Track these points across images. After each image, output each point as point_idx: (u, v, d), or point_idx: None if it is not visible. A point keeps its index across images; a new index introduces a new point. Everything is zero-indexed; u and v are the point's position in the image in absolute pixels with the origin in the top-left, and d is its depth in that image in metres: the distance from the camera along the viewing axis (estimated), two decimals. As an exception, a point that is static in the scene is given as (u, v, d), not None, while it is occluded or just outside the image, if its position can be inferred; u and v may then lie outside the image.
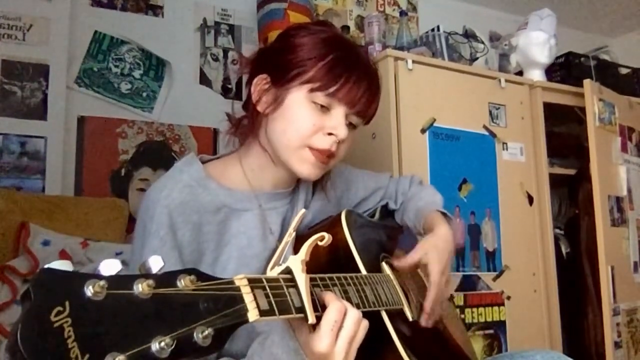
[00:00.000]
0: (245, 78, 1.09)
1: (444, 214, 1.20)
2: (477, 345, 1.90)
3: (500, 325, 1.97)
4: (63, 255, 1.60)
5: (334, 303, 0.71)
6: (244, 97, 1.08)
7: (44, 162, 1.96)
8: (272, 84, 0.99)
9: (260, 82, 1.01)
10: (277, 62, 1.00)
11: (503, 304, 1.99)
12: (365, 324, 0.74)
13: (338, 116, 0.97)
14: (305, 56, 0.96)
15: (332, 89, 0.95)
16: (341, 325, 0.71)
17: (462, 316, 1.89)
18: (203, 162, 1.03)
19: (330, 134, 0.96)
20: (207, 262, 0.95)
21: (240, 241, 0.99)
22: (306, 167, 0.98)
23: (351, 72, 0.96)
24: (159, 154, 2.19)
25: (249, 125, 1.05)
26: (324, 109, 0.96)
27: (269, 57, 1.04)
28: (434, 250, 1.05)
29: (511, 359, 1.18)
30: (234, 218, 0.99)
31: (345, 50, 0.99)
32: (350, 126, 1.01)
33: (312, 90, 0.95)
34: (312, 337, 0.69)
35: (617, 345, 2.03)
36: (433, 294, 1.01)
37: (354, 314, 0.72)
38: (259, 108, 1.00)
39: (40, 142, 1.97)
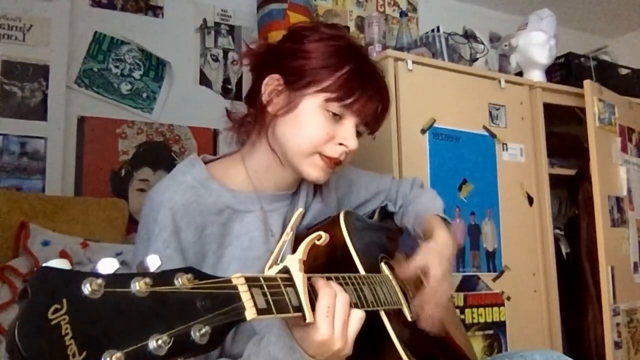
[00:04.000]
0: (245, 70, 1.08)
1: (443, 219, 1.20)
2: (477, 345, 1.89)
3: (500, 326, 1.97)
4: (63, 255, 1.60)
5: (324, 289, 0.71)
6: (244, 93, 1.08)
7: (44, 162, 1.96)
8: (285, 87, 0.98)
9: (273, 82, 0.99)
10: (290, 65, 0.99)
11: (503, 305, 1.99)
12: (360, 315, 0.74)
13: (349, 127, 0.98)
14: (320, 64, 0.96)
15: (348, 101, 0.96)
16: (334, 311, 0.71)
17: (462, 316, 1.89)
18: (205, 163, 1.03)
19: (341, 144, 0.98)
20: (209, 263, 0.95)
21: (242, 242, 0.99)
22: (315, 171, 0.99)
23: (366, 86, 0.98)
24: (159, 155, 2.19)
25: (255, 124, 1.04)
26: (336, 117, 0.97)
27: (279, 56, 1.02)
28: (435, 255, 1.04)
29: (510, 358, 1.18)
30: (236, 219, 0.99)
31: (360, 62, 1.00)
32: (357, 134, 1.01)
33: (328, 100, 0.96)
34: (310, 329, 0.69)
35: (617, 345, 2.03)
36: (426, 298, 1.00)
37: (341, 297, 0.73)
38: (270, 109, 0.99)
39: (40, 143, 1.97)
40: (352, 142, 0.98)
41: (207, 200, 0.96)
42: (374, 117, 1.01)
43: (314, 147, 0.97)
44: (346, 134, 0.98)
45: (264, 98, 1.00)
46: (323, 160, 0.98)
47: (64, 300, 0.44)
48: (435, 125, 1.93)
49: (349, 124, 0.98)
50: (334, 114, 0.97)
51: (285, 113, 0.98)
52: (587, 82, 2.18)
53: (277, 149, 1.01)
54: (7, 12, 1.98)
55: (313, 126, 0.97)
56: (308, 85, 0.96)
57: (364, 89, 0.97)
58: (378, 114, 1.01)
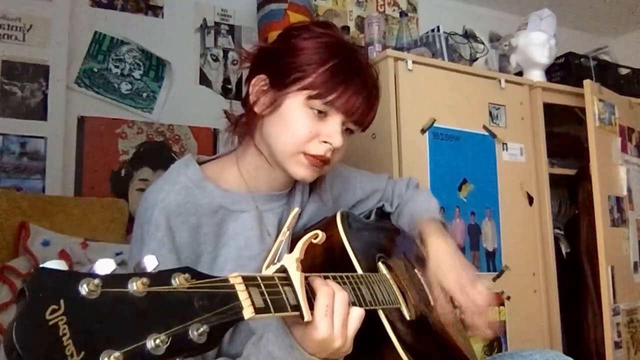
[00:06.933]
0: (245, 74, 1.08)
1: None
2: (477, 345, 1.89)
3: (500, 326, 1.97)
4: (63, 255, 1.61)
5: (322, 288, 0.71)
6: (244, 95, 1.08)
7: (44, 162, 1.97)
8: (270, 86, 0.98)
9: (259, 82, 1.00)
10: (277, 64, 0.98)
11: (503, 304, 1.99)
12: (359, 312, 0.74)
13: (334, 124, 0.96)
14: (305, 61, 0.95)
15: (330, 98, 0.94)
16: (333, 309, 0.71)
17: (462, 316, 1.89)
18: (200, 163, 1.03)
19: (325, 141, 0.96)
20: (205, 263, 0.95)
21: (238, 242, 0.99)
22: (302, 170, 0.98)
23: (350, 80, 0.95)
24: (159, 155, 2.19)
25: (246, 125, 1.04)
26: (321, 115, 0.95)
27: (269, 57, 1.03)
28: (454, 284, 1.11)
29: (511, 358, 1.18)
30: (231, 220, 0.99)
31: (346, 57, 0.98)
32: (347, 132, 1.00)
33: (310, 97, 0.94)
34: (309, 328, 0.69)
35: (617, 345, 2.03)
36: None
37: (340, 295, 0.72)
38: (256, 109, 0.99)
39: (40, 142, 1.97)
40: (336, 140, 0.95)
41: (202, 200, 0.96)
42: (361, 114, 0.98)
43: (297, 146, 0.96)
44: (330, 131, 0.95)
45: (251, 98, 1.00)
46: (307, 158, 0.96)
47: (62, 301, 0.44)
48: (435, 125, 1.93)
49: (334, 121, 0.96)
50: (319, 112, 0.95)
51: (271, 112, 0.97)
52: (587, 82, 2.18)
53: (265, 150, 1.01)
54: (7, 12, 1.98)
55: (296, 124, 0.95)
56: (292, 83, 0.95)
57: (348, 85, 0.95)
58: (364, 110, 0.98)
